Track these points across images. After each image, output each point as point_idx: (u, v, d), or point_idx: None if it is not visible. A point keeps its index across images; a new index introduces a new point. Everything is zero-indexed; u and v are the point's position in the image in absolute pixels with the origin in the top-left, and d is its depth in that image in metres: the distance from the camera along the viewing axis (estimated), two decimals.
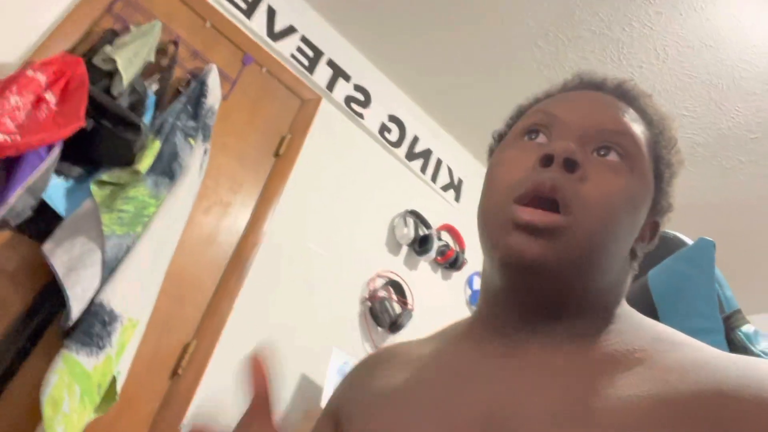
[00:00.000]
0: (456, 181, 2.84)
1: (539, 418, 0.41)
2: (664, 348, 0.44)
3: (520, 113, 0.60)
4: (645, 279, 0.84)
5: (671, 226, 1.04)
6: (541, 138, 0.53)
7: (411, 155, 2.65)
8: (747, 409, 0.35)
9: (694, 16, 1.94)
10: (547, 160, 0.48)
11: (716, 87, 2.17)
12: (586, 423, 0.39)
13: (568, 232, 0.46)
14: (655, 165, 0.53)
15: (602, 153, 0.50)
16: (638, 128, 0.52)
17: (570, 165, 0.47)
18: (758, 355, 0.73)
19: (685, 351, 0.43)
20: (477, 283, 2.72)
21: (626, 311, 0.51)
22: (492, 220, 0.50)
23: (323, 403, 1.87)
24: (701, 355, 0.41)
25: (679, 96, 2.23)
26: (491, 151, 0.62)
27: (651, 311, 0.82)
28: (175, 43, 1.85)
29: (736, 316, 0.79)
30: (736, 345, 0.76)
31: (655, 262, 0.85)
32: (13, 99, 1.38)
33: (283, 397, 1.87)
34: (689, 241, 0.88)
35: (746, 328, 0.79)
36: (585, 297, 0.49)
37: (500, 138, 0.62)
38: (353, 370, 0.67)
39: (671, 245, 0.90)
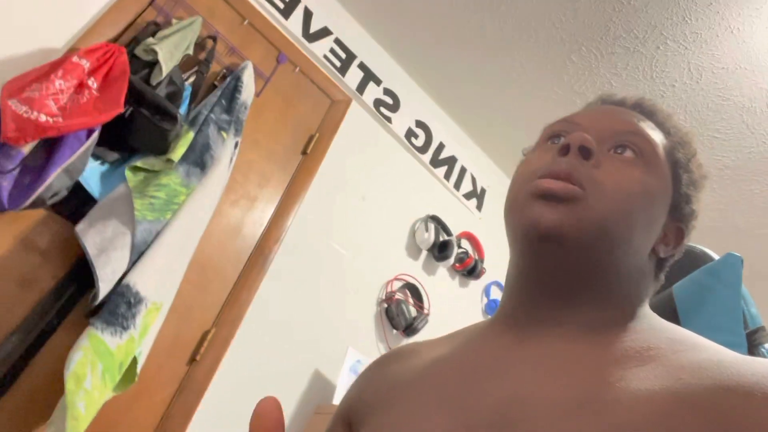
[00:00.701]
0: (479, 190, 2.84)
1: (552, 408, 0.41)
2: (680, 348, 0.44)
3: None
4: (670, 290, 0.84)
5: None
6: (561, 136, 0.57)
7: (436, 161, 2.66)
8: (761, 408, 0.35)
9: (731, 38, 1.93)
10: (564, 150, 0.51)
11: (749, 110, 2.14)
12: (598, 414, 0.39)
13: (585, 203, 0.48)
14: (672, 168, 0.55)
15: (618, 151, 0.53)
16: (654, 134, 0.55)
17: (585, 152, 0.51)
18: None
19: (701, 351, 0.43)
20: (494, 293, 2.72)
21: (647, 313, 0.52)
22: (516, 200, 0.53)
23: (335, 400, 1.88)
24: (717, 356, 0.41)
25: (710, 117, 2.22)
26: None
27: (674, 322, 0.82)
28: (214, 39, 1.90)
29: (761, 332, 0.79)
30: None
31: (681, 276, 0.85)
32: (58, 83, 1.43)
33: (295, 391, 1.88)
34: (716, 256, 0.88)
35: None
36: (605, 278, 0.50)
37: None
38: (366, 371, 0.67)
39: (699, 260, 0.90)
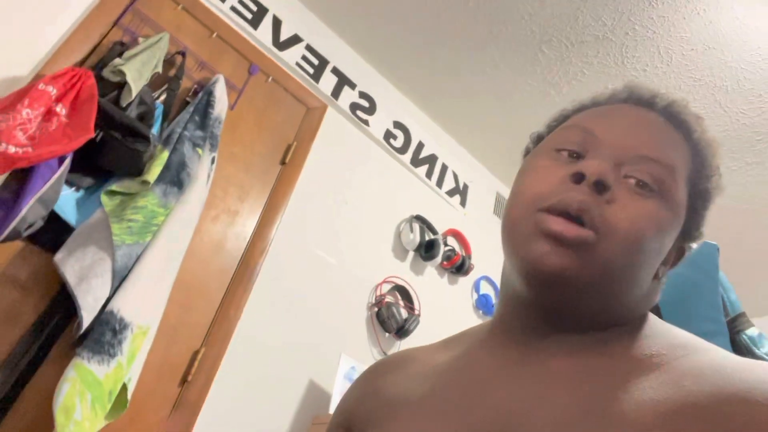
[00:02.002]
0: (461, 186, 2.85)
1: (556, 420, 0.41)
2: (681, 353, 0.44)
3: (564, 117, 0.59)
4: None
5: None
6: (576, 154, 0.52)
7: (416, 161, 2.66)
8: (763, 412, 0.35)
9: (697, 19, 1.95)
10: (578, 178, 0.48)
11: (721, 89, 2.17)
12: (603, 425, 0.39)
13: (594, 249, 0.46)
14: (690, 195, 0.52)
15: (635, 177, 0.49)
16: (679, 157, 0.51)
17: (600, 187, 0.47)
18: (762, 358, 0.73)
19: (702, 355, 0.43)
20: (484, 288, 2.73)
21: (647, 319, 0.51)
22: (518, 226, 0.50)
23: (331, 408, 1.87)
24: (719, 360, 0.41)
25: (683, 99, 2.23)
26: (527, 152, 0.61)
27: (655, 314, 0.82)
28: (183, 54, 1.88)
29: (741, 319, 0.79)
30: (740, 348, 0.76)
31: None
32: (25, 112, 1.40)
33: (290, 403, 1.87)
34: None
35: (750, 331, 0.79)
36: (603, 315, 0.49)
37: (538, 139, 0.61)
38: (363, 378, 0.66)
39: None
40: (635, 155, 0.49)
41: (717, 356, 0.42)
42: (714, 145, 0.54)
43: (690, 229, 0.52)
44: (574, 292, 0.47)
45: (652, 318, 0.52)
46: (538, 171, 0.52)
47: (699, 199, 0.52)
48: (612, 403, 0.40)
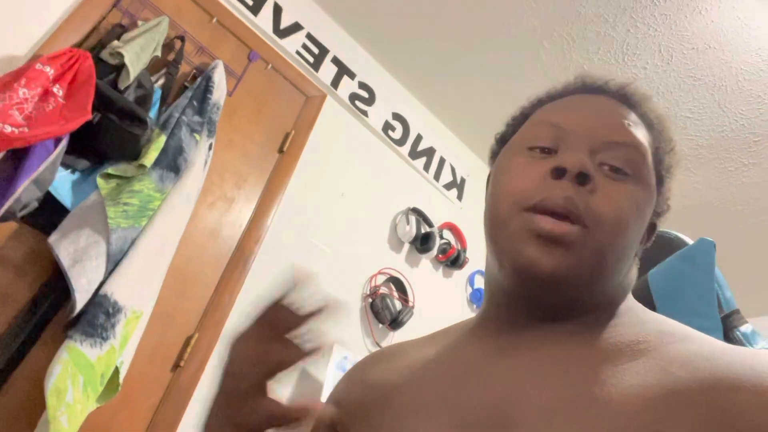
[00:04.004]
0: (459, 180, 2.84)
1: (543, 408, 0.41)
2: (669, 340, 0.44)
3: (524, 116, 0.60)
4: (645, 278, 0.85)
5: (672, 227, 1.05)
6: (549, 149, 0.53)
7: (414, 153, 2.65)
8: (750, 399, 0.35)
9: (699, 18, 1.95)
10: (559, 173, 0.49)
11: (720, 89, 2.17)
12: (590, 411, 0.39)
13: (582, 244, 0.47)
14: (656, 170, 0.53)
15: (610, 163, 0.50)
16: (642, 134, 0.53)
17: (582, 179, 0.48)
18: None
19: (690, 343, 0.43)
20: (478, 282, 2.73)
21: (632, 306, 0.52)
22: (505, 227, 0.50)
23: (323, 397, 1.88)
24: (707, 347, 0.41)
25: (683, 98, 2.24)
26: (493, 153, 0.62)
27: (650, 309, 0.82)
28: (182, 39, 1.86)
29: (735, 316, 0.80)
30: (734, 344, 0.76)
31: (657, 262, 0.86)
32: (22, 91, 1.39)
33: (282, 392, 1.88)
34: (690, 242, 0.89)
35: (744, 328, 0.79)
36: (592, 300, 0.50)
37: (502, 140, 0.62)
38: (353, 370, 0.67)
39: (673, 245, 0.90)
40: (606, 141, 0.51)
41: (705, 343, 0.43)
42: (666, 120, 0.57)
43: (660, 204, 0.55)
44: (565, 287, 0.48)
45: (638, 305, 0.53)
46: (515, 170, 0.53)
47: (664, 171, 0.54)
48: (599, 389, 0.41)
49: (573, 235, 0.46)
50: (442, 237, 2.57)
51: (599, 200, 0.48)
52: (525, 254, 0.47)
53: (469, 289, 2.69)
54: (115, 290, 1.40)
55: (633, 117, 0.54)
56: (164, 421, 1.60)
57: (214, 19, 2.02)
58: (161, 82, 1.74)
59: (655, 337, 0.45)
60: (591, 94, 0.57)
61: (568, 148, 0.51)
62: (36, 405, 1.36)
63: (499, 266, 0.52)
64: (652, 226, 0.56)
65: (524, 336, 0.50)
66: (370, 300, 2.22)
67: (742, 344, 0.76)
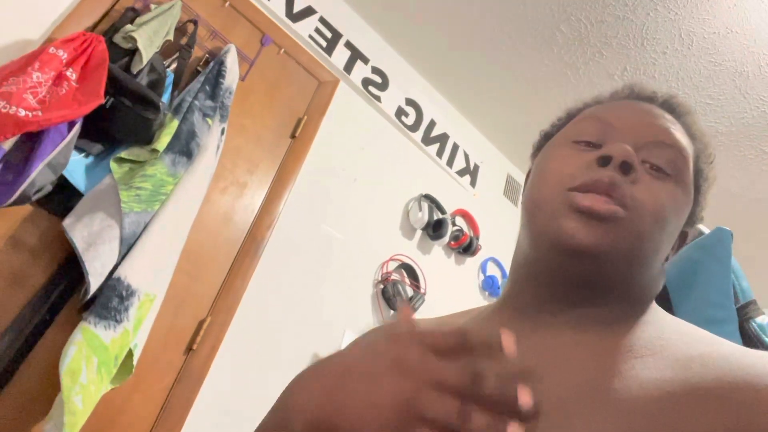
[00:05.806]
0: (472, 167, 2.82)
1: (562, 394, 0.42)
2: (689, 340, 0.44)
3: (569, 117, 0.62)
4: None
5: None
6: (594, 144, 0.55)
7: (427, 139, 2.63)
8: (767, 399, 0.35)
9: (721, 1, 1.89)
10: (605, 161, 0.50)
11: (741, 75, 2.12)
12: (607, 402, 0.40)
13: (623, 224, 0.47)
14: (695, 178, 0.55)
15: (652, 161, 0.51)
16: (686, 142, 0.54)
17: (626, 168, 0.49)
18: None
19: (710, 345, 0.43)
20: (490, 269, 2.72)
21: (656, 309, 0.53)
22: (546, 205, 0.51)
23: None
24: (727, 348, 0.42)
25: (703, 83, 2.19)
26: (537, 149, 0.64)
27: (665, 299, 0.81)
28: (195, 23, 1.85)
29: (751, 306, 0.78)
30: (749, 336, 0.75)
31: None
32: (35, 75, 1.39)
33: (294, 375, 1.89)
34: (707, 231, 0.87)
35: (761, 319, 0.78)
36: (622, 289, 0.50)
37: (546, 137, 0.63)
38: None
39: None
40: (651, 141, 0.52)
41: (724, 346, 0.43)
42: (708, 135, 0.58)
43: (695, 211, 0.56)
44: (601, 265, 0.48)
45: (659, 309, 0.53)
46: (560, 158, 0.55)
47: (702, 180, 0.56)
48: (616, 381, 0.41)
49: (614, 214, 0.47)
50: (454, 224, 2.56)
51: (641, 190, 0.49)
52: (565, 227, 0.48)
53: (481, 277, 2.68)
54: (129, 274, 1.41)
55: (678, 126, 0.55)
56: (177, 403, 1.62)
57: (227, 3, 2.01)
58: (174, 66, 1.74)
59: (676, 336, 0.45)
60: (639, 100, 0.58)
61: (614, 142, 0.52)
62: (51, 386, 1.38)
63: (535, 246, 0.53)
64: (683, 235, 0.57)
65: (546, 322, 0.51)
66: (382, 286, 2.22)
67: (757, 335, 0.75)
